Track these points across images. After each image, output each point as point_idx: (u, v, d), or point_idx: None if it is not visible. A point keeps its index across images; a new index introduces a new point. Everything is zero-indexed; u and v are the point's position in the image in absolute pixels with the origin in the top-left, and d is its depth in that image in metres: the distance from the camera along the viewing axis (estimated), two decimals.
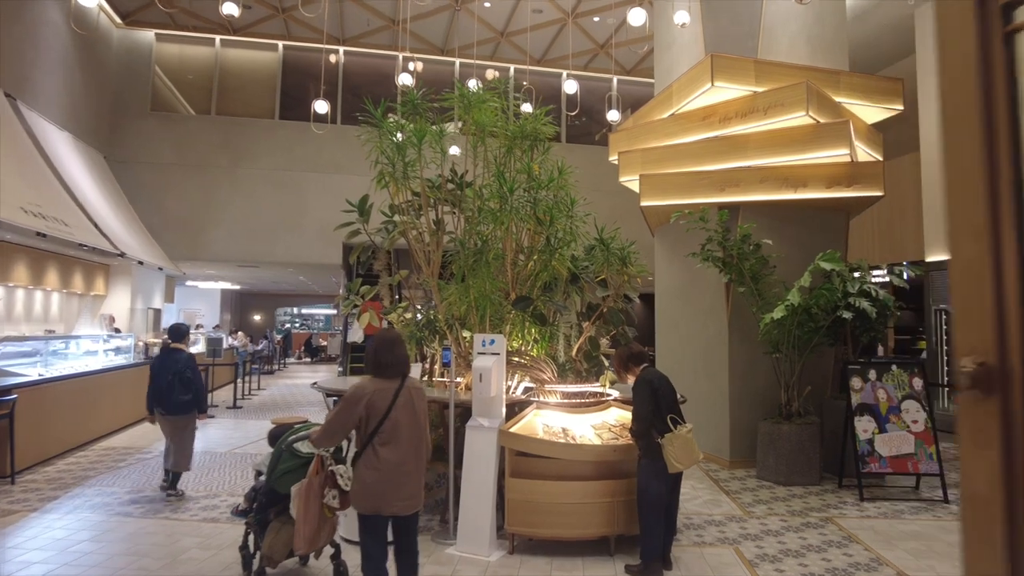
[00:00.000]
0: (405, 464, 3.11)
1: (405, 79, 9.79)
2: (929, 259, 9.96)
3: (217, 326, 21.14)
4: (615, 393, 5.35)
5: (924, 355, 10.83)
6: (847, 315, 6.43)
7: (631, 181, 8.12)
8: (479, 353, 4.61)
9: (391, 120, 5.54)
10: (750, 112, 7.23)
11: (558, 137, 5.49)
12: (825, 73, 7.44)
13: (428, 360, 6.01)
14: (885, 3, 10.66)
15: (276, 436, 3.95)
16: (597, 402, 5.08)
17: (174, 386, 5.78)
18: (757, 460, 6.94)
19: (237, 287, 24.99)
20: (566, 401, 5.01)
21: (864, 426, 6.30)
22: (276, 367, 21.70)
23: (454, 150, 7.14)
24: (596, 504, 4.39)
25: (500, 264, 5.15)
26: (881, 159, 7.58)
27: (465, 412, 4.79)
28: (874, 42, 11.79)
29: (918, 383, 6.44)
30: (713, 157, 7.45)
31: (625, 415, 4.93)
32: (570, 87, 11.07)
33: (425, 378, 5.86)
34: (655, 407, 4.11)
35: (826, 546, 4.73)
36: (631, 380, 4.34)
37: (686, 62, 8.15)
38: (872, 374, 6.48)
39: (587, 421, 4.86)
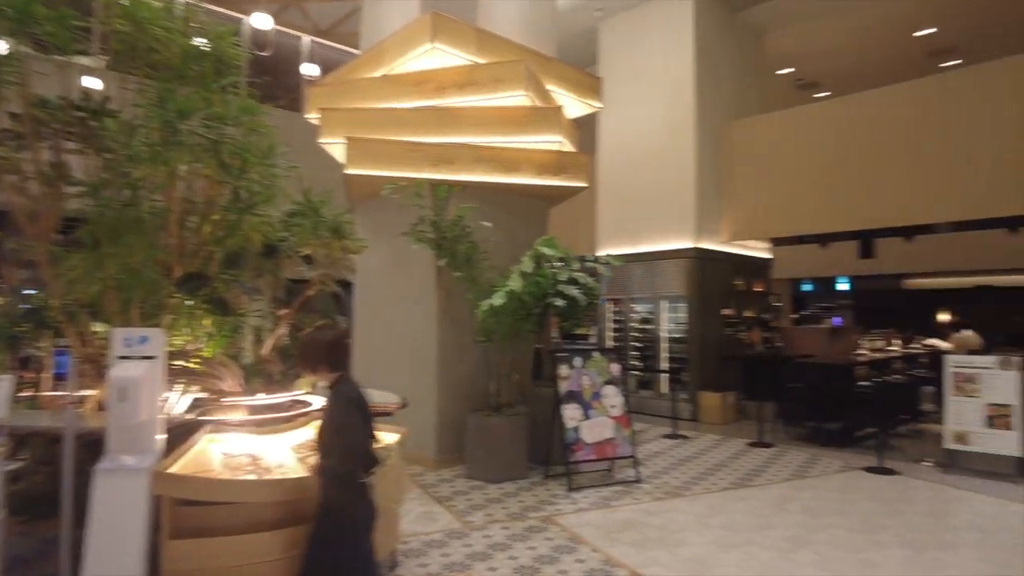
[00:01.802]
0: None
1: None
2: (599, 253, 10.81)
3: None
4: (318, 401, 4.23)
5: (594, 339, 11.82)
6: (559, 302, 6.31)
7: (334, 144, 6.94)
8: (121, 357, 3.05)
9: None
10: (468, 84, 6.70)
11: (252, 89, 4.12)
12: (540, 58, 7.29)
13: (32, 367, 4.02)
14: (572, 12, 11.28)
15: None
16: (298, 415, 3.90)
17: None
18: (466, 456, 6.47)
19: None
20: (255, 417, 3.72)
21: (571, 414, 6.25)
22: None
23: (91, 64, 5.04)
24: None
25: (160, 225, 3.59)
26: (587, 155, 7.75)
27: (94, 446, 3.16)
28: (559, 49, 12.53)
29: (616, 368, 6.66)
30: (428, 128, 6.74)
31: None
32: (261, 22, 9.32)
33: (27, 394, 3.87)
34: (367, 435, 3.00)
35: (557, 554, 4.35)
36: (322, 383, 3.17)
37: (399, 19, 7.28)
38: (578, 361, 6.49)
39: (285, 442, 3.65)
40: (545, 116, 6.81)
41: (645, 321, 10.93)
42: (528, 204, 7.58)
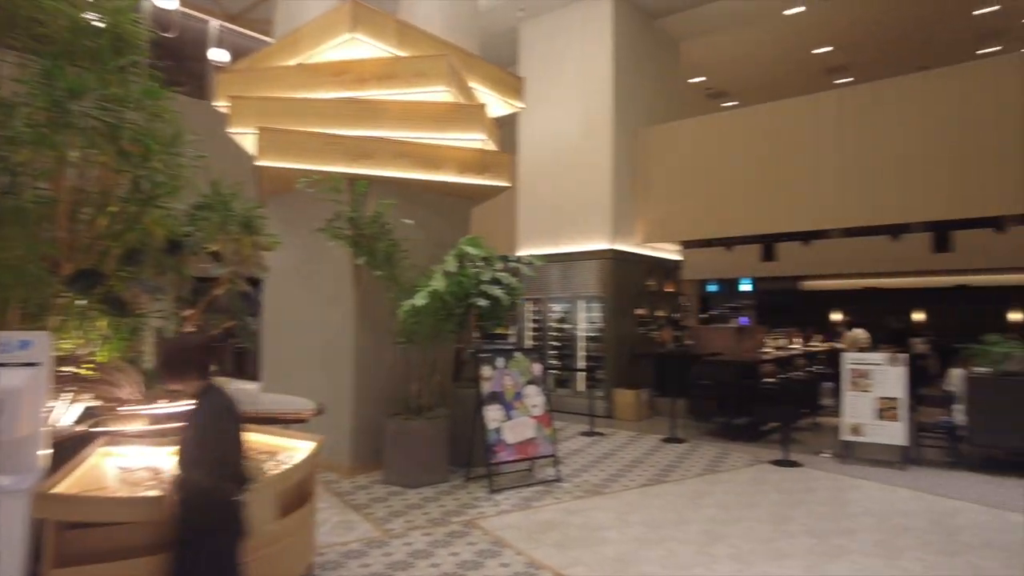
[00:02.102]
0: None
1: None
2: (519, 253, 10.82)
3: None
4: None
5: (513, 339, 11.83)
6: (483, 302, 6.24)
7: (244, 134, 6.56)
8: None
9: None
10: (390, 77, 6.50)
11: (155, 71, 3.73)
12: (463, 54, 7.18)
13: None
14: (494, 12, 11.24)
15: None
16: None
17: None
18: (384, 462, 6.28)
19: None
20: (157, 428, 3.42)
21: (493, 415, 6.20)
22: None
23: None
24: None
25: (47, 217, 3.22)
26: (509, 154, 7.71)
27: None
28: (481, 48, 12.46)
29: (538, 368, 6.66)
30: (346, 121, 6.48)
31: (249, 438, 3.61)
32: (165, 1, 8.69)
33: None
34: (239, 448, 2.71)
35: (481, 559, 4.27)
36: (186, 393, 2.78)
37: (316, 7, 6.98)
38: (500, 361, 6.44)
39: None
40: (468, 113, 6.71)
41: (563, 321, 11.05)
42: (450, 202, 7.46)
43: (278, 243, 4.31)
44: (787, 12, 11.41)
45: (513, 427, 6.25)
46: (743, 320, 11.43)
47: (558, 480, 6.30)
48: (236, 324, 4.15)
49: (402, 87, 6.54)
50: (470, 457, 6.29)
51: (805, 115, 9.76)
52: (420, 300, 5.81)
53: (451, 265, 6.04)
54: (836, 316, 22.56)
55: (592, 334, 10.65)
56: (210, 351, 2.80)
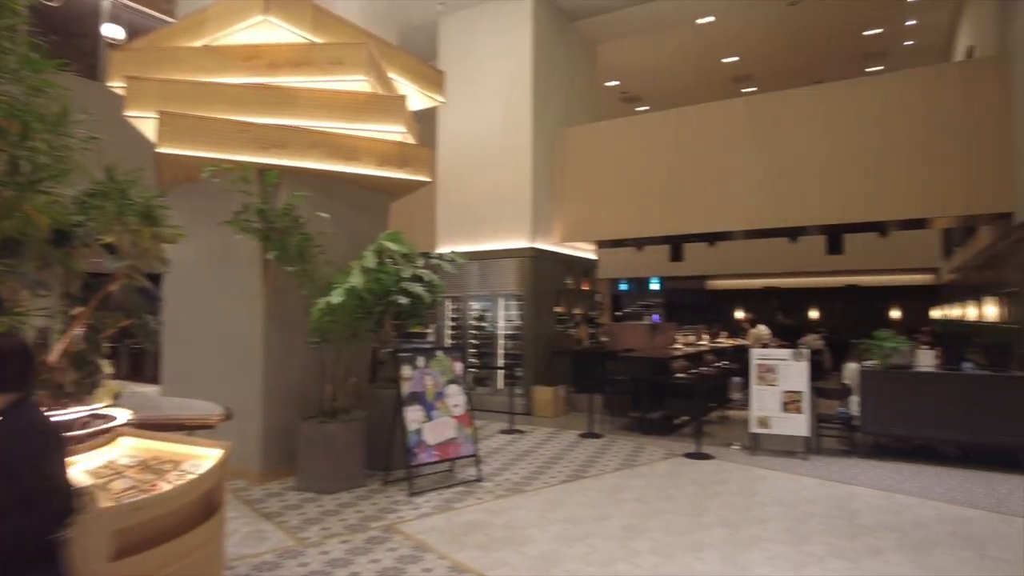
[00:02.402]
0: None
1: None
2: (439, 250, 10.68)
3: None
4: (123, 415, 3.62)
5: (431, 338, 11.66)
6: (403, 300, 6.07)
7: (142, 118, 6.07)
8: None
9: None
10: (305, 64, 6.22)
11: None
12: (382, 44, 6.96)
13: None
14: (413, 4, 11.01)
15: None
16: (98, 432, 3.29)
17: None
18: (298, 468, 5.99)
19: None
20: None
21: (414, 416, 6.04)
22: None
23: None
24: None
25: None
26: (429, 148, 7.55)
27: None
28: (399, 40, 12.19)
29: (459, 367, 6.55)
30: (257, 108, 6.13)
31: (150, 446, 3.31)
32: None
33: None
34: (63, 475, 2.23)
35: (403, 564, 4.13)
36: None
37: None
38: (421, 361, 6.29)
39: (81, 466, 3.05)
40: (388, 104, 6.51)
41: (482, 319, 10.98)
42: (368, 196, 7.21)
43: (182, 235, 3.98)
44: (699, 21, 11.86)
45: (434, 427, 6.12)
46: (655, 317, 11.78)
47: (479, 480, 6.23)
48: (134, 323, 3.79)
49: (318, 75, 6.26)
50: (389, 460, 6.11)
51: (715, 121, 10.17)
52: (336, 298, 5.57)
53: (370, 261, 5.83)
54: (739, 314, 23.72)
55: (511, 332, 10.65)
56: (25, 358, 2.26)
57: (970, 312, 10.49)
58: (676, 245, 22.23)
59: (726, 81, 14.98)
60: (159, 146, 5.71)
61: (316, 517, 5.11)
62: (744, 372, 8.38)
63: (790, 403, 7.38)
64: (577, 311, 11.96)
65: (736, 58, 13.96)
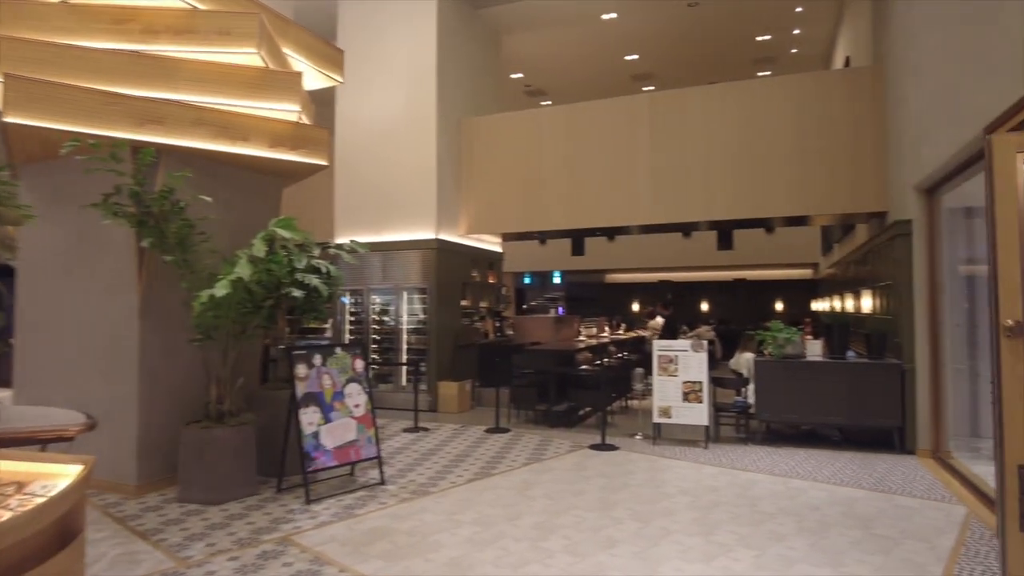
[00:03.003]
0: None
1: None
2: (339, 240, 10.15)
3: None
4: None
5: (329, 334, 11.12)
6: (297, 293, 5.63)
7: None
8: None
9: None
10: (188, 32, 5.62)
11: None
12: (276, 16, 6.42)
13: None
14: None
15: None
16: None
17: None
18: (181, 478, 5.43)
19: None
20: None
21: (310, 418, 5.62)
22: None
23: None
24: None
25: None
26: (326, 130, 7.07)
27: None
28: (294, 15, 11.47)
29: (360, 365, 6.18)
30: (130, 79, 5.46)
31: (12, 468, 2.79)
32: None
33: None
34: None
35: None
36: None
37: None
38: (318, 359, 5.87)
39: None
40: (282, 81, 6.02)
41: (385, 313, 10.57)
42: (258, 180, 6.66)
43: (30, 217, 3.42)
44: (604, 17, 11.96)
45: (332, 430, 5.73)
46: (560, 310, 11.83)
47: (383, 483, 5.91)
48: None
49: (202, 45, 5.69)
50: (283, 466, 5.66)
51: (613, 117, 10.23)
52: (221, 290, 5.05)
53: (259, 250, 5.34)
54: (635, 306, 24.48)
55: (415, 326, 10.32)
56: None
57: (848, 304, 11.26)
58: (578, 239, 22.60)
59: (627, 79, 15.28)
60: (5, 115, 4.94)
61: (201, 532, 4.62)
62: (644, 363, 8.52)
63: (690, 393, 7.56)
64: (483, 304, 11.79)
65: (637, 56, 14.25)
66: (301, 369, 5.70)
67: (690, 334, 16.66)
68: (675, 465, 6.62)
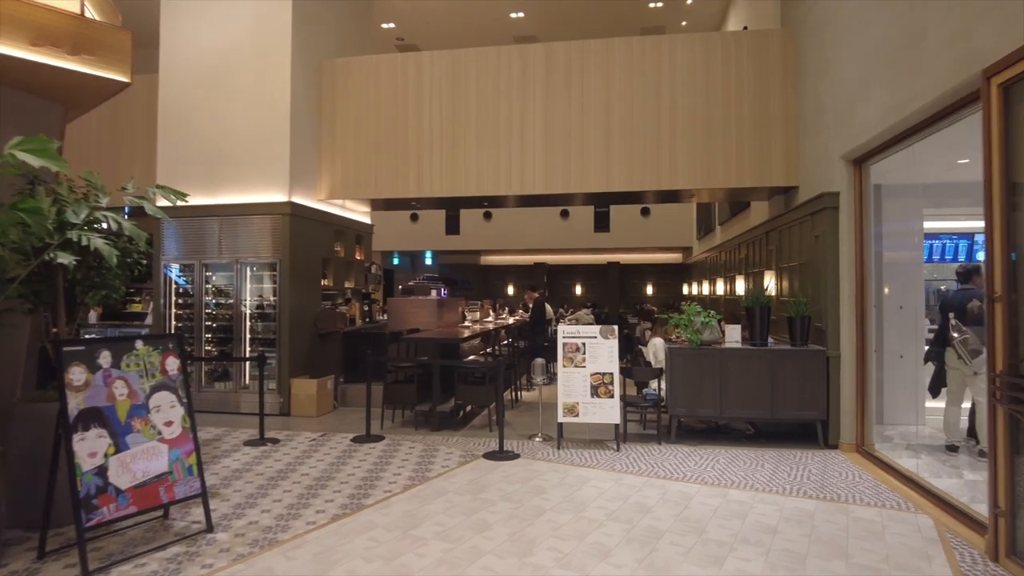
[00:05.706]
0: None
1: None
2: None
3: None
4: None
5: (148, 320, 8.90)
6: (68, 260, 3.74)
7: None
8: None
9: None
10: None
11: None
12: None
13: None
14: None
15: None
16: None
17: None
18: None
19: None
20: None
21: (91, 447, 3.76)
22: None
23: None
24: None
25: None
26: (126, 31, 5.05)
27: None
28: None
29: (174, 364, 4.37)
30: None
31: None
32: None
33: None
34: None
35: None
36: None
37: None
38: (105, 358, 3.99)
39: None
40: None
41: (222, 293, 8.53)
42: (18, 101, 4.58)
43: None
44: None
45: (128, 461, 3.91)
46: (443, 292, 10.38)
47: (209, 530, 4.19)
48: None
49: None
50: (48, 516, 3.78)
51: (511, 67, 8.86)
52: None
53: None
54: (510, 289, 23.56)
55: (262, 310, 8.40)
56: None
57: (739, 288, 10.84)
58: (453, 216, 21.20)
59: (510, 40, 14.00)
60: None
61: None
62: (537, 352, 7.35)
63: (600, 386, 6.47)
64: (348, 285, 10.05)
65: (522, 14, 13.00)
66: (77, 373, 3.81)
67: (569, 318, 15.93)
68: (590, 476, 5.47)
